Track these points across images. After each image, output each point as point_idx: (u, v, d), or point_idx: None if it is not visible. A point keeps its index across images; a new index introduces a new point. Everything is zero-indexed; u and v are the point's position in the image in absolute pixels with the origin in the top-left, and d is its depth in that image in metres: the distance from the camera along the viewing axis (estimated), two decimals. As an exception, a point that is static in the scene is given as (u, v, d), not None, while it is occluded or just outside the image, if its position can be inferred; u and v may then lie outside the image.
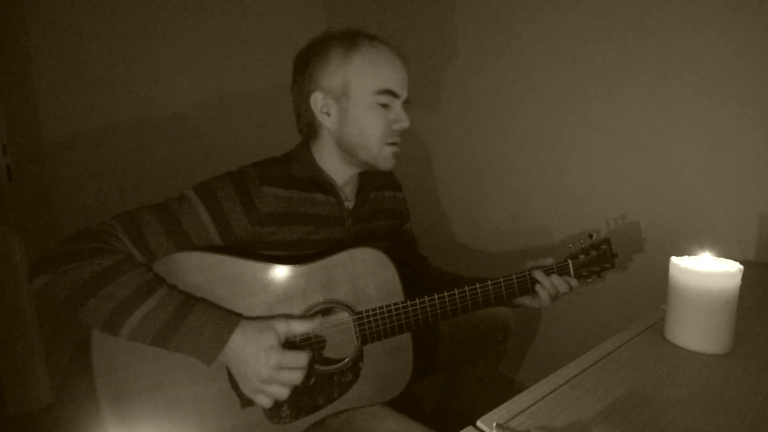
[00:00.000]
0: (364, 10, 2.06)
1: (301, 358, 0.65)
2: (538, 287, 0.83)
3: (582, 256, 0.86)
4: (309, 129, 0.82)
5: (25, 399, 1.45)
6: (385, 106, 0.77)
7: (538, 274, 0.83)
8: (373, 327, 0.74)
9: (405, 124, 0.78)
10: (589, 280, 0.86)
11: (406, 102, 0.80)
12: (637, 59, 1.17)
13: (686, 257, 0.68)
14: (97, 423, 0.65)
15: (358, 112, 0.76)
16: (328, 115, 0.78)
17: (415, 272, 1.03)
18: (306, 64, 0.79)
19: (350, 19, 2.13)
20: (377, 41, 0.78)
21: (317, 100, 0.78)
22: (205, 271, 0.69)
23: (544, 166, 1.45)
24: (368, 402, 0.76)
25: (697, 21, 1.06)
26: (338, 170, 0.83)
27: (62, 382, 1.56)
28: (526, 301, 0.87)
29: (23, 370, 1.44)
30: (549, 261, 0.86)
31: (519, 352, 1.63)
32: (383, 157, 0.79)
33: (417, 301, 0.77)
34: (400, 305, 0.75)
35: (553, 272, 0.85)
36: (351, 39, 0.76)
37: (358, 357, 0.75)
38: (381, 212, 0.92)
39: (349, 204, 0.86)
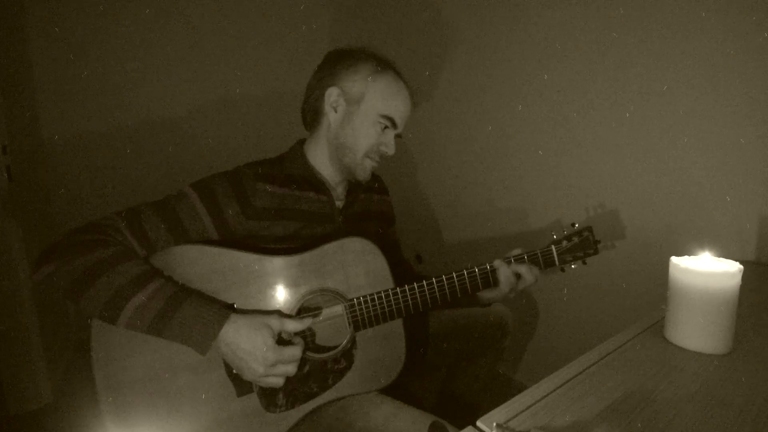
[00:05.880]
0: (364, 15, 2.06)
1: (295, 351, 0.69)
2: (499, 273, 0.85)
3: (565, 243, 0.89)
4: (312, 114, 0.88)
5: (25, 399, 1.45)
6: (383, 128, 0.85)
7: (503, 263, 0.85)
8: (364, 313, 0.77)
9: (390, 150, 0.87)
10: (573, 265, 0.90)
11: (398, 136, 0.89)
12: (635, 57, 1.17)
13: (686, 257, 0.68)
14: (97, 419, 0.66)
15: (361, 121, 0.84)
16: (335, 110, 0.85)
17: (397, 276, 1.04)
18: (336, 62, 0.85)
19: (349, 20, 2.13)
20: (401, 79, 0.88)
21: (332, 95, 0.84)
22: (201, 263, 0.72)
23: (543, 165, 1.45)
24: (362, 389, 0.77)
25: (697, 18, 1.06)
26: (329, 169, 0.88)
27: (62, 381, 1.56)
28: (490, 293, 0.88)
29: (23, 370, 1.44)
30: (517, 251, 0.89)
31: (518, 351, 1.63)
32: (363, 166, 0.86)
33: (406, 287, 0.79)
34: (390, 291, 0.78)
35: (523, 261, 0.87)
36: (383, 64, 0.86)
37: (351, 344, 0.77)
38: (370, 213, 0.96)
39: (340, 203, 0.90)
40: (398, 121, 0.86)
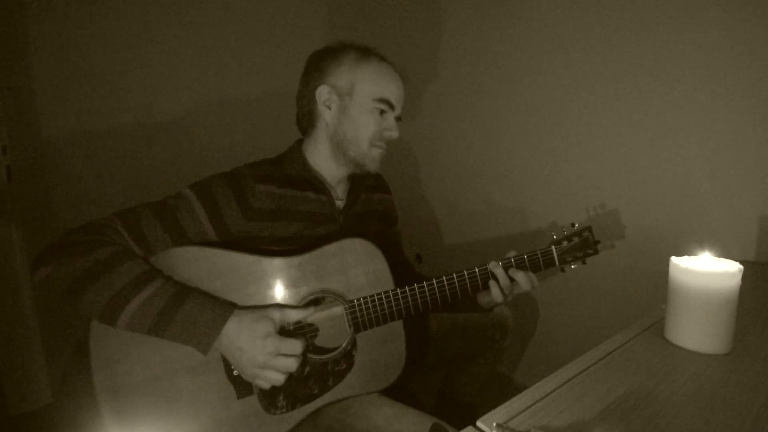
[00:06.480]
0: (362, 15, 2.06)
1: (296, 345, 0.68)
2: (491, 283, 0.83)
3: (565, 243, 0.89)
4: (308, 118, 0.87)
5: (25, 399, 1.45)
6: (381, 113, 0.84)
7: (505, 269, 0.83)
8: (365, 315, 0.76)
9: (394, 133, 0.85)
10: (572, 265, 0.90)
11: (398, 118, 0.87)
12: (636, 57, 1.17)
13: (686, 257, 0.68)
14: (96, 420, 0.65)
15: (357, 111, 0.82)
16: (329, 108, 0.84)
17: (399, 276, 1.04)
18: (320, 60, 0.85)
19: (347, 19, 2.13)
20: (386, 60, 0.86)
21: (322, 93, 0.83)
22: (200, 264, 0.71)
23: (543, 165, 1.45)
24: (362, 390, 0.77)
25: (697, 18, 1.06)
26: (329, 167, 0.87)
27: (62, 382, 1.56)
28: (487, 297, 0.86)
29: (23, 370, 1.44)
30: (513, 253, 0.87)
31: (518, 351, 1.63)
32: (370, 156, 0.85)
33: (407, 288, 0.79)
34: (390, 293, 0.77)
35: (523, 266, 0.84)
36: (365, 50, 0.85)
37: (352, 345, 0.76)
38: (371, 213, 0.95)
39: (341, 203, 0.89)
40: (394, 101, 0.84)
